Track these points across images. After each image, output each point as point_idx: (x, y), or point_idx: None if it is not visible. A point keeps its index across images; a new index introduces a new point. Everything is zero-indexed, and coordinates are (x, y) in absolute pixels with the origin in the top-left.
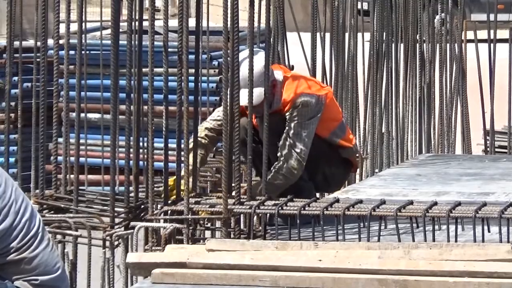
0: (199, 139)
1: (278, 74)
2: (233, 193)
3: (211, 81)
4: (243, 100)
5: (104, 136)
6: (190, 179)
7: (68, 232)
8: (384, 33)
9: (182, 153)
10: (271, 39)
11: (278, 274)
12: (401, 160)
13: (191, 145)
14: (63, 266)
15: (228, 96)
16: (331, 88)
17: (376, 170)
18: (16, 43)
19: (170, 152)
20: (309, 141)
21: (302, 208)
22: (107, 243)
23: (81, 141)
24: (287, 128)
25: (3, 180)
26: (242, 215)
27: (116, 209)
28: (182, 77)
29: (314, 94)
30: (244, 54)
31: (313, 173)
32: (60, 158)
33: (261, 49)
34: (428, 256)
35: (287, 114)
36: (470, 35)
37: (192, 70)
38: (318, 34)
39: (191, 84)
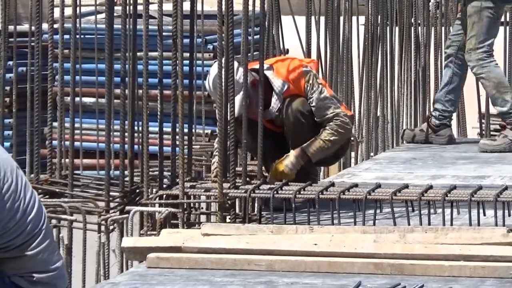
0: None
1: (254, 73)
2: (228, 177)
3: (205, 65)
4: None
5: (99, 120)
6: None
7: (63, 216)
8: (379, 17)
9: (177, 137)
10: (266, 22)
11: (273, 258)
12: (396, 143)
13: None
14: (63, 263)
15: (223, 81)
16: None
17: (372, 154)
18: (11, 28)
19: (164, 136)
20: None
21: (298, 192)
22: (102, 228)
23: (76, 125)
24: (312, 101)
25: (13, 176)
26: (237, 199)
27: (111, 193)
28: (177, 61)
29: (306, 65)
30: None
31: None
32: (55, 142)
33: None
34: (424, 240)
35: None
36: None
37: (186, 54)
38: (313, 17)
39: (186, 68)
